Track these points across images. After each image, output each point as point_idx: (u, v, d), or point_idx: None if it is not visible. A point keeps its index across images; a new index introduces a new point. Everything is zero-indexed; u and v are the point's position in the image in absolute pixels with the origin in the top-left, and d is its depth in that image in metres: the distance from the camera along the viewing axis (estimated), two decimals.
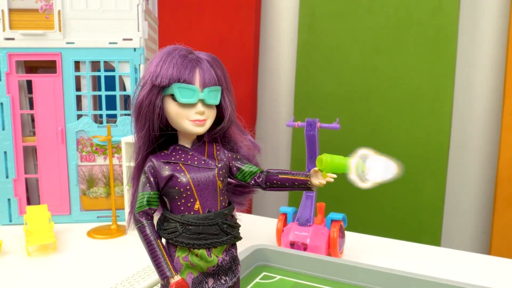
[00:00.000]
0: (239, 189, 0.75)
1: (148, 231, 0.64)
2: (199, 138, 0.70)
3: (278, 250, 1.07)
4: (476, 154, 1.85)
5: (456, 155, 1.86)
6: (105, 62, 1.40)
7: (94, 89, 1.47)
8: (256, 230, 1.33)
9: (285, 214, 1.22)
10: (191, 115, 0.65)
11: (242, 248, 1.06)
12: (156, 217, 0.68)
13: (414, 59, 1.87)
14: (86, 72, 1.40)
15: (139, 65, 1.39)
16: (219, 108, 0.69)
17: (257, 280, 1.00)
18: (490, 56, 1.79)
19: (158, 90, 0.64)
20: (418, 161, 1.86)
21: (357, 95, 1.97)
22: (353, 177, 0.64)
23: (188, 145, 0.69)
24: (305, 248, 1.11)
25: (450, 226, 1.89)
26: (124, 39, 1.39)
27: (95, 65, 1.45)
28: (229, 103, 0.69)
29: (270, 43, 2.14)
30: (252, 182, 0.71)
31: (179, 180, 0.65)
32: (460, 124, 1.85)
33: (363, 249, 1.23)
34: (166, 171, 0.65)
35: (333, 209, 1.22)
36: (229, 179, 0.72)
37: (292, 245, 1.12)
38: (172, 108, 0.65)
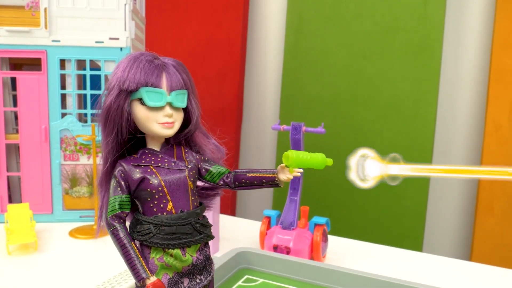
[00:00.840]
0: (205, 192, 0.77)
1: (121, 234, 0.65)
2: (167, 141, 0.72)
3: (261, 253, 1.07)
4: (459, 160, 1.87)
5: (439, 160, 1.88)
6: (90, 60, 1.39)
7: (79, 87, 1.46)
8: (239, 232, 1.33)
9: (269, 217, 1.22)
10: (159, 118, 0.66)
11: (225, 250, 1.06)
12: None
13: (399, 64, 1.89)
14: (71, 71, 1.38)
15: None
16: (186, 111, 0.71)
17: (239, 283, 1.00)
18: (474, 63, 1.81)
19: (126, 94, 0.66)
20: None
21: (342, 99, 1.98)
22: (353, 177, 0.65)
23: (157, 148, 0.70)
24: (288, 251, 1.11)
25: (432, 231, 1.91)
26: (111, 38, 1.38)
27: (80, 64, 1.44)
28: (195, 106, 0.71)
29: (257, 45, 2.14)
30: (221, 182, 0.72)
31: (150, 182, 0.66)
32: (444, 129, 1.87)
33: (346, 253, 1.24)
34: (137, 174, 0.66)
35: (317, 213, 1.23)
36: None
37: (275, 248, 1.12)
38: (140, 112, 0.66)
